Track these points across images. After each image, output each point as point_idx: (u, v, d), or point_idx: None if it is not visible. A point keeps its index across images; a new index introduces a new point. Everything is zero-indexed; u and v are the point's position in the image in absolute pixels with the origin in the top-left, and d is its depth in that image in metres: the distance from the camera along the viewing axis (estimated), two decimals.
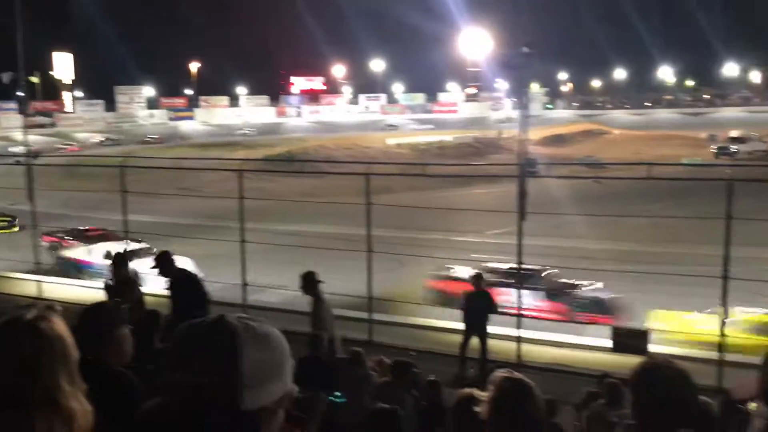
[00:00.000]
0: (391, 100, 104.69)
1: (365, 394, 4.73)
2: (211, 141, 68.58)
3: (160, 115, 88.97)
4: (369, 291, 11.93)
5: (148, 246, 15.94)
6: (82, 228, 22.74)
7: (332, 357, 6.33)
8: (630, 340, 9.20)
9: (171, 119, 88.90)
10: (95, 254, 16.98)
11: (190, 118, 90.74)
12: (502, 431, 2.29)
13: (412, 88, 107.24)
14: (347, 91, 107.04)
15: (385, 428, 3.28)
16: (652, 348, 9.62)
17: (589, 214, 20.22)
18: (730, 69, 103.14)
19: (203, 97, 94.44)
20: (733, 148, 51.44)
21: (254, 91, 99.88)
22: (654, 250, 18.36)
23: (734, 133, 56.09)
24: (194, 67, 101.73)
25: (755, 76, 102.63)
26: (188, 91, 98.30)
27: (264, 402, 1.23)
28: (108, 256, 10.77)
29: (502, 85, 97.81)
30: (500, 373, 2.40)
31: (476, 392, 2.48)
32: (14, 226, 25.08)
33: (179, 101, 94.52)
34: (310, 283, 7.64)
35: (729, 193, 8.98)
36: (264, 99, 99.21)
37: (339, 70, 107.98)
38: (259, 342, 1.24)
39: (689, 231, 16.69)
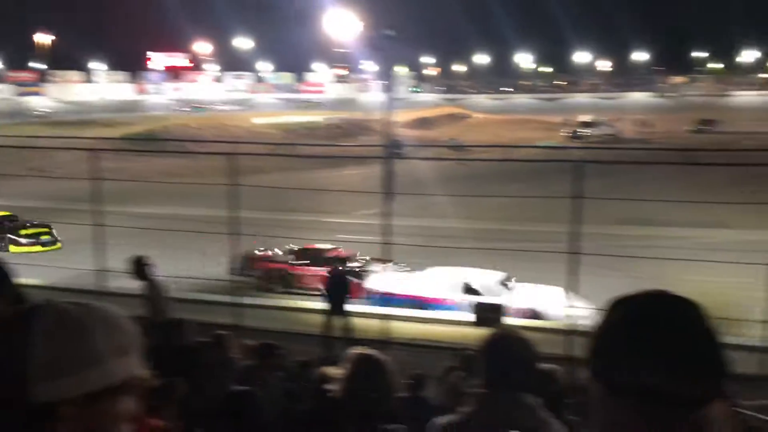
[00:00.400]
0: (259, 79, 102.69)
1: (227, 379, 4.67)
2: (64, 119, 64.19)
3: (6, 90, 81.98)
4: (230, 274, 11.77)
5: None
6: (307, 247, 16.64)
7: (187, 342, 6.19)
8: (488, 313, 9.68)
9: (19, 95, 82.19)
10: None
11: (39, 93, 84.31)
12: (356, 407, 2.34)
13: (279, 68, 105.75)
14: (212, 69, 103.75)
15: (242, 410, 3.27)
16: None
17: (453, 195, 20.97)
18: (582, 57, 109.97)
19: (54, 72, 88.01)
20: (584, 131, 54.92)
21: (113, 67, 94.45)
22: (512, 228, 19.33)
23: (585, 118, 59.83)
24: (46, 39, 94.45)
25: (604, 64, 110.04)
26: (39, 66, 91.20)
27: (73, 393, 1.09)
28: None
29: (370, 67, 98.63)
30: (354, 351, 2.45)
31: (330, 371, 2.52)
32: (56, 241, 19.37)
33: (27, 75, 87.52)
34: (140, 268, 7.57)
35: (578, 174, 9.62)
36: (122, 75, 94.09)
37: (203, 47, 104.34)
38: (66, 327, 1.11)
39: (544, 210, 17.73)
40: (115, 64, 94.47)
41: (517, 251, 13.70)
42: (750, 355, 9.41)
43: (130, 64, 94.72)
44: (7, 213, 20.55)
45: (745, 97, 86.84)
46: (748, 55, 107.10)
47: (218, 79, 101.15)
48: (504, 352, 2.30)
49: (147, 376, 1.38)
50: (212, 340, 6.10)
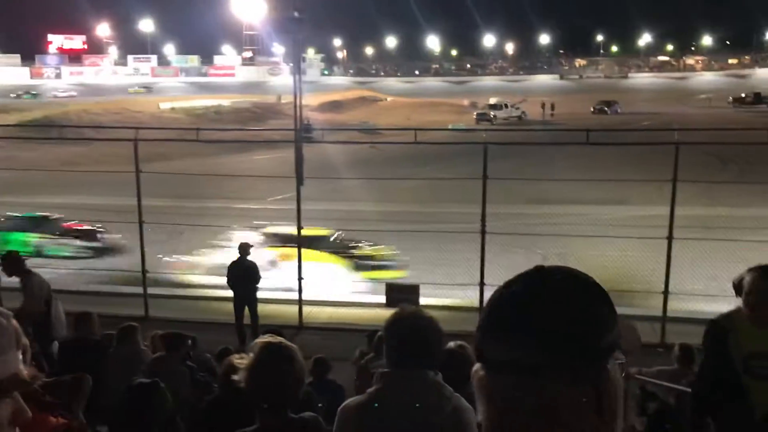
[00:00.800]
0: (163, 62, 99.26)
1: (136, 371, 4.51)
2: None
3: None
4: (142, 265, 11.39)
5: None
6: None
7: (93, 336, 5.95)
8: (402, 294, 9.77)
9: None
10: None
11: None
12: (262, 397, 2.30)
13: (185, 50, 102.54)
14: (113, 52, 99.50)
15: (144, 402, 3.16)
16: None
17: (365, 178, 21.00)
18: (489, 40, 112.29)
19: None
20: (491, 113, 56.20)
21: (4, 49, 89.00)
22: (424, 210, 19.56)
23: (492, 101, 61.20)
24: None
25: (509, 48, 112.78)
26: None
27: None
28: None
29: (279, 49, 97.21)
30: (260, 339, 2.40)
31: (236, 360, 2.47)
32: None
33: None
34: (11, 263, 7.29)
35: (485, 156, 9.82)
36: (15, 58, 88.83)
37: (103, 29, 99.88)
38: None
39: (456, 191, 18.04)
40: (8, 47, 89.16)
41: (428, 232, 13.89)
42: (651, 324, 9.91)
43: (25, 47, 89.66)
44: None
45: (642, 78, 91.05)
46: (645, 39, 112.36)
47: (119, 63, 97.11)
48: (406, 331, 2.31)
49: (30, 374, 1.30)
50: (120, 332, 5.90)
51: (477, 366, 0.97)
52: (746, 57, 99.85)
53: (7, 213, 17.17)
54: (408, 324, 2.33)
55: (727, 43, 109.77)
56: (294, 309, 10.94)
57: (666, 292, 10.00)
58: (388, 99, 78.04)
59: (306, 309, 11.07)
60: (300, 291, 10.98)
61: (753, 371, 3.58)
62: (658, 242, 10.29)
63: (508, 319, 0.94)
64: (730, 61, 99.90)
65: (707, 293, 10.49)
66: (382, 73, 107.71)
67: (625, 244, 12.33)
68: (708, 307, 10.32)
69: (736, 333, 3.64)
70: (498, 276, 10.99)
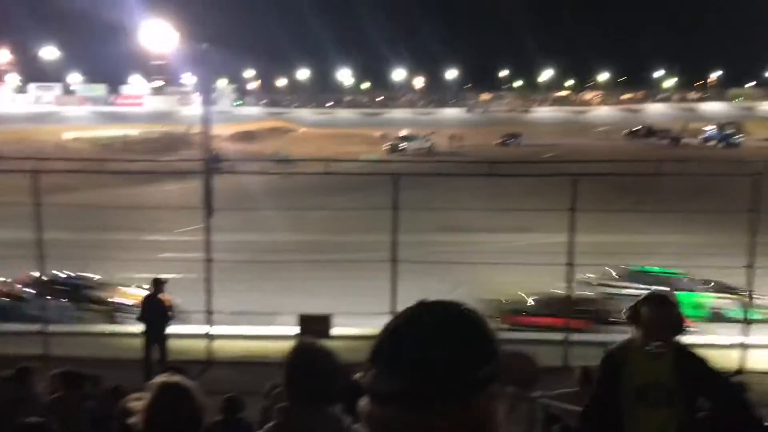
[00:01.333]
0: (68, 91, 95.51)
1: (28, 414, 4.29)
2: None
3: None
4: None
5: None
6: None
7: None
8: (315, 325, 9.74)
9: None
10: None
11: None
12: None
13: (91, 79, 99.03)
14: (13, 79, 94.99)
15: None
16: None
17: (277, 209, 20.85)
18: (399, 74, 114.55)
19: None
20: (402, 145, 57.15)
21: None
22: (337, 239, 19.62)
23: (403, 132, 62.30)
24: None
25: (419, 82, 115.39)
26: None
27: None
28: None
29: (189, 79, 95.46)
30: (156, 379, 2.33)
31: (132, 402, 2.35)
32: None
33: None
34: None
35: (395, 186, 10.02)
36: None
37: (2, 56, 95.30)
38: None
39: (368, 221, 18.20)
40: None
41: (341, 261, 13.92)
42: (553, 348, 10.29)
43: None
44: None
45: (544, 112, 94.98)
46: (546, 75, 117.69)
47: (20, 90, 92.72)
48: (302, 365, 2.30)
49: None
50: (15, 373, 5.61)
51: (363, 398, 1.00)
52: (639, 92, 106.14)
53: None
54: (304, 358, 2.33)
55: (621, 79, 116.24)
56: (203, 343, 10.70)
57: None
58: (301, 130, 77.98)
59: (218, 343, 10.85)
60: (211, 324, 10.77)
61: (646, 400, 3.60)
62: (562, 268, 10.74)
63: (387, 352, 0.98)
64: (624, 96, 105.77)
65: None
66: (295, 104, 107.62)
67: (533, 270, 12.77)
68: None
69: (629, 364, 3.65)
70: (410, 304, 11.14)
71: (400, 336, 1.00)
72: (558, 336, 10.60)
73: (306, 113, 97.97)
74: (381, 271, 11.18)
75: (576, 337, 10.40)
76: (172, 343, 10.32)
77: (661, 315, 3.54)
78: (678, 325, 3.61)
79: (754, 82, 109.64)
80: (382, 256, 10.99)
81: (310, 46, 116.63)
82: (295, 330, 10.54)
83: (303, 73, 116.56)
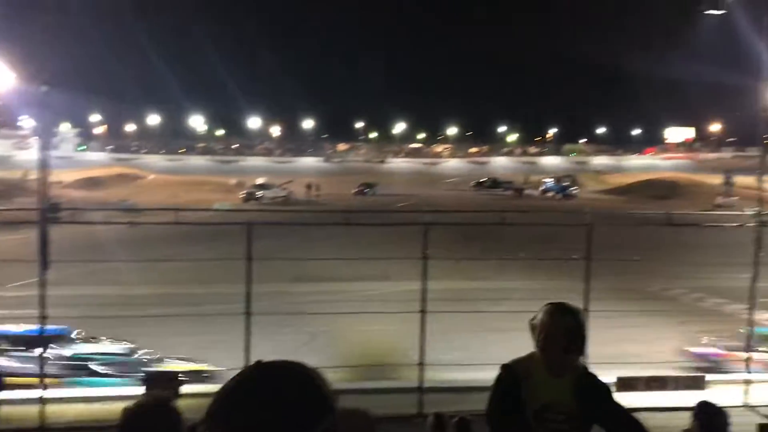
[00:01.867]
0: None
1: None
2: None
3: None
4: None
5: None
6: None
7: None
8: (162, 383, 9.21)
9: None
10: None
11: None
12: None
13: None
14: None
15: None
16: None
17: (123, 260, 19.80)
18: (255, 122, 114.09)
19: None
20: (258, 194, 56.62)
21: None
22: (187, 291, 18.88)
23: (259, 180, 61.81)
24: None
25: (276, 130, 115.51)
26: None
27: None
28: None
29: (28, 122, 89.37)
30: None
31: None
32: None
33: None
34: None
35: (249, 236, 9.81)
36: None
37: None
38: None
39: (221, 271, 17.68)
40: None
41: (192, 316, 13.39)
42: (408, 396, 10.38)
43: None
44: None
45: (398, 163, 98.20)
46: (400, 127, 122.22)
47: None
48: (140, 426, 2.18)
49: None
50: None
51: None
52: (484, 146, 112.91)
53: None
54: (137, 421, 2.19)
55: (469, 133, 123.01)
56: (34, 408, 9.76)
57: (421, 364, 10.58)
58: (151, 176, 75.12)
59: (51, 408, 9.93)
60: (44, 388, 9.87)
61: (546, 424, 3.27)
62: (415, 315, 10.94)
63: (222, 413, 0.98)
64: (472, 149, 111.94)
65: (460, 362, 11.32)
66: (145, 150, 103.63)
67: (388, 318, 12.92)
68: (461, 375, 11.15)
69: (530, 381, 3.29)
70: (265, 358, 10.84)
71: (234, 397, 1.00)
72: (413, 383, 10.72)
73: (156, 159, 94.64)
74: (236, 324, 10.84)
75: (429, 383, 10.56)
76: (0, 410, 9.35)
77: (560, 323, 3.21)
78: (578, 338, 3.23)
79: (585, 139, 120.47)
80: (236, 308, 10.67)
81: (161, 90, 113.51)
82: (141, 389, 9.90)
83: (153, 119, 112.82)
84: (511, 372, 3.34)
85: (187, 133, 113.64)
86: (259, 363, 1.07)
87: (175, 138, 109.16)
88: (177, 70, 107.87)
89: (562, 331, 3.18)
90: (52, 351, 11.86)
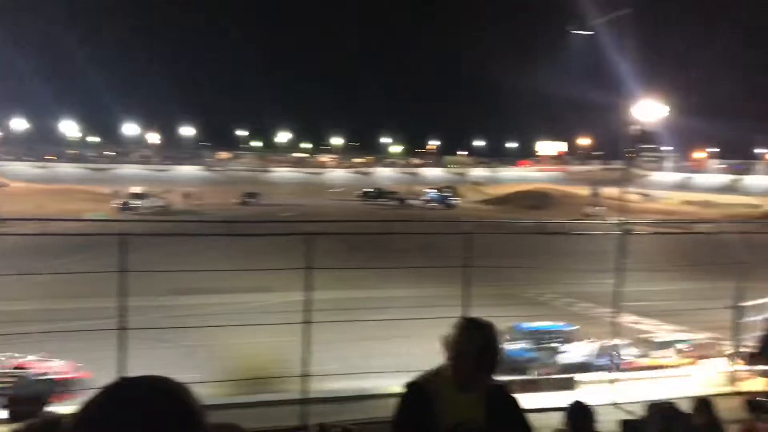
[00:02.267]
0: None
1: None
2: None
3: None
4: None
5: None
6: None
7: None
8: (26, 407, 8.61)
9: None
10: None
11: None
12: None
13: None
14: None
15: None
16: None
17: None
18: (131, 129, 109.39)
19: None
20: (135, 203, 54.30)
21: None
22: (58, 307, 17.82)
23: (136, 190, 59.32)
24: None
25: (153, 137, 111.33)
26: None
27: None
28: None
29: None
30: None
31: None
32: None
33: None
34: None
35: (122, 247, 9.36)
36: None
37: None
38: None
39: (93, 284, 16.75)
40: None
41: (61, 332, 12.59)
42: (291, 407, 10.25)
43: None
44: None
45: (282, 173, 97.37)
46: (283, 136, 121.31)
47: None
48: None
49: None
50: None
51: None
52: (369, 157, 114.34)
53: None
54: None
55: (354, 144, 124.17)
56: None
57: (305, 375, 10.49)
58: (15, 184, 70.22)
59: None
60: None
61: None
62: (299, 326, 10.84)
63: (82, 429, 0.96)
64: (357, 160, 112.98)
65: (343, 372, 11.33)
66: (8, 157, 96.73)
67: (271, 330, 12.72)
68: (345, 385, 11.15)
69: (439, 399, 3.09)
70: (142, 374, 10.37)
71: (95, 413, 0.98)
72: (296, 395, 10.60)
73: (21, 166, 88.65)
74: (110, 340, 10.31)
75: (313, 394, 10.49)
76: None
77: (471, 339, 3.04)
78: (490, 354, 3.07)
79: (465, 152, 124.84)
80: (108, 323, 10.15)
81: (28, 93, 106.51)
82: (3, 413, 9.21)
83: (18, 123, 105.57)
84: (419, 390, 3.15)
85: (57, 140, 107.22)
86: (123, 378, 1.04)
87: (43, 144, 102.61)
88: (47, 74, 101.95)
89: (474, 348, 3.03)
90: None
